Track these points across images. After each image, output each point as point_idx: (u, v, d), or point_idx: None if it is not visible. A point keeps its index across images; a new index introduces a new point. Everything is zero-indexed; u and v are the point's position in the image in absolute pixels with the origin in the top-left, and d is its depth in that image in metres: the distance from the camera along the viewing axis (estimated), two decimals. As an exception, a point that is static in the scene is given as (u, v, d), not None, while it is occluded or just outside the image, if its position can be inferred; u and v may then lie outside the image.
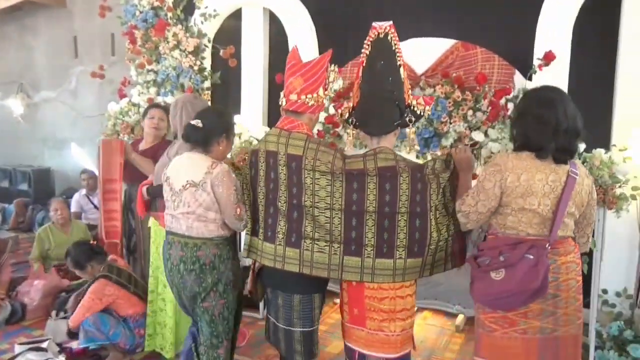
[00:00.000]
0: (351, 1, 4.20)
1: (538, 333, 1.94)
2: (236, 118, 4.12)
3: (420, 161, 3.68)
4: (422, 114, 2.25)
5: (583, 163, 2.78)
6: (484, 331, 2.02)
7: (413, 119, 2.23)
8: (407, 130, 2.38)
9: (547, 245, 1.90)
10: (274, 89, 4.42)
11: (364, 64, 2.20)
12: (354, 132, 2.31)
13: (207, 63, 4.40)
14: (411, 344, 2.18)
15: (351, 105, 2.29)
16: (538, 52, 3.33)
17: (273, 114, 4.48)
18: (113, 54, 6.42)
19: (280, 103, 2.29)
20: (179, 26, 4.23)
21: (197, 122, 2.28)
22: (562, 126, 1.90)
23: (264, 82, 4.41)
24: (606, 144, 3.18)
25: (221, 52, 4.10)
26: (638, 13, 3.15)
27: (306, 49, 4.11)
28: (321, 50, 4.18)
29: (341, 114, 2.34)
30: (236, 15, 4.45)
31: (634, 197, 2.82)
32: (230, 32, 4.46)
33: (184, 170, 2.29)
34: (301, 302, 2.21)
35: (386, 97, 2.15)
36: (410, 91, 2.28)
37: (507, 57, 3.50)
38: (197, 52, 4.27)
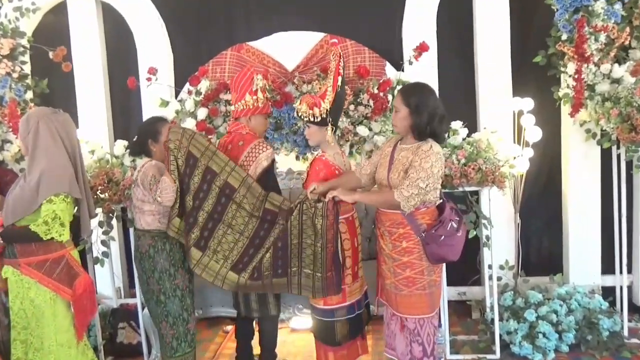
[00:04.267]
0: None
1: None
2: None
3: (301, 162, 3.94)
4: None
5: (471, 146, 3.25)
6: (436, 288, 2.65)
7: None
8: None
9: None
10: (118, 94, 4.23)
11: (341, 75, 2.80)
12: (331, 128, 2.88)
13: (27, 68, 3.97)
14: None
15: (327, 107, 2.78)
16: (407, 43, 3.77)
17: (119, 123, 4.29)
18: None
19: None
20: (-17, 23, 3.74)
21: (135, 137, 3.02)
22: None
23: (104, 87, 4.17)
24: (473, 127, 3.76)
25: (50, 55, 3.73)
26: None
27: (157, 46, 4.01)
28: (174, 47, 4.11)
29: (313, 114, 2.79)
30: (58, 10, 4.10)
31: (513, 175, 3.39)
32: (52, 30, 4.11)
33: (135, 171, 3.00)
34: None
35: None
36: None
37: (375, 49, 3.88)
38: (13, 55, 3.82)
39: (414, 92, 2.57)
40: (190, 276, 2.96)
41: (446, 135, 2.91)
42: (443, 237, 2.52)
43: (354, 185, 2.84)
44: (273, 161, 2.95)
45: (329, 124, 2.82)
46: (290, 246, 2.75)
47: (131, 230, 3.55)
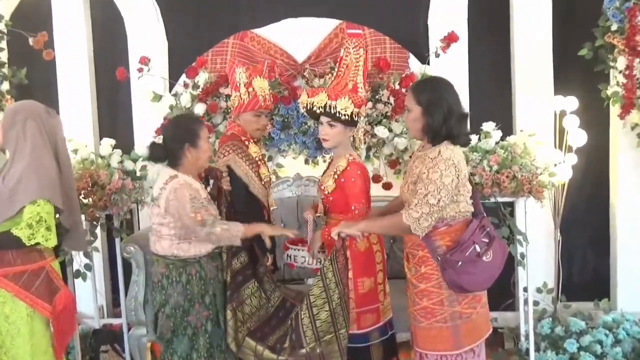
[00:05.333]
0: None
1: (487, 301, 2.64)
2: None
3: (311, 167, 4.00)
4: None
5: (505, 151, 3.29)
6: (462, 321, 2.56)
7: None
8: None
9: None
10: (105, 86, 4.32)
11: (368, 69, 2.88)
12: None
13: (4, 56, 4.07)
14: None
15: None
16: (434, 33, 3.82)
17: (105, 119, 4.38)
18: None
19: None
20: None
21: (158, 139, 2.74)
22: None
23: (90, 78, 4.25)
24: (508, 129, 3.79)
25: (30, 41, 3.82)
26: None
27: (150, 33, 4.11)
28: (169, 35, 4.19)
29: (359, 114, 2.83)
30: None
31: (553, 184, 3.43)
32: (33, 13, 4.21)
33: (155, 185, 2.85)
34: None
35: None
36: None
37: (397, 38, 3.94)
38: (-11, 41, 3.93)
39: (426, 88, 2.55)
40: (209, 312, 2.83)
41: (470, 136, 2.87)
42: (460, 263, 2.46)
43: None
44: (229, 168, 2.97)
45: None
46: (301, 323, 2.73)
47: (117, 240, 3.63)
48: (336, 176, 2.83)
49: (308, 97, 2.86)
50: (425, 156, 2.49)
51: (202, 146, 2.79)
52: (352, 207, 2.77)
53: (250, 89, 3.04)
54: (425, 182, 2.41)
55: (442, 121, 2.44)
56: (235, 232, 2.72)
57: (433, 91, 2.50)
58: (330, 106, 2.77)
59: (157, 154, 2.85)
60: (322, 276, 2.68)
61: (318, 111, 2.81)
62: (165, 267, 2.78)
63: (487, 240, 2.52)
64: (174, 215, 2.71)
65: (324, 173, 3.06)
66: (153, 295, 2.86)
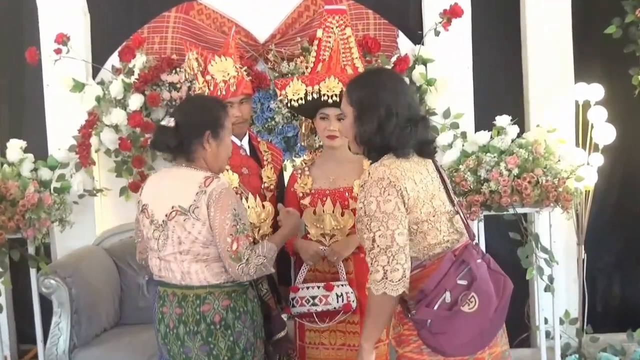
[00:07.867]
0: None
1: None
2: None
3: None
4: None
5: (525, 151, 3.35)
6: None
7: None
8: None
9: (474, 242, 2.30)
10: (8, 71, 4.22)
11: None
12: None
13: None
14: None
15: None
16: (429, 6, 3.87)
17: (7, 114, 4.27)
18: None
19: None
20: None
21: (169, 121, 2.52)
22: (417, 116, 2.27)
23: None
24: (520, 123, 3.85)
25: None
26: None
27: (67, 3, 4.01)
28: (92, 5, 4.09)
29: None
30: None
31: (580, 191, 3.51)
32: None
33: (168, 192, 2.51)
34: None
35: None
36: None
37: (383, 13, 3.99)
38: None
39: (359, 83, 2.33)
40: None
41: (435, 145, 2.60)
42: (430, 321, 2.14)
43: None
44: None
45: None
46: None
47: (32, 272, 3.53)
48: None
49: (306, 85, 2.84)
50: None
51: (224, 139, 2.56)
52: None
53: (209, 77, 2.94)
54: (365, 223, 2.16)
55: (376, 129, 2.21)
56: (270, 258, 2.55)
57: (367, 87, 2.28)
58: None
59: (164, 141, 2.50)
60: None
61: (330, 101, 2.78)
62: (228, 297, 2.51)
63: (465, 283, 2.16)
64: (212, 228, 2.44)
65: (308, 180, 2.97)
66: (207, 344, 2.50)
